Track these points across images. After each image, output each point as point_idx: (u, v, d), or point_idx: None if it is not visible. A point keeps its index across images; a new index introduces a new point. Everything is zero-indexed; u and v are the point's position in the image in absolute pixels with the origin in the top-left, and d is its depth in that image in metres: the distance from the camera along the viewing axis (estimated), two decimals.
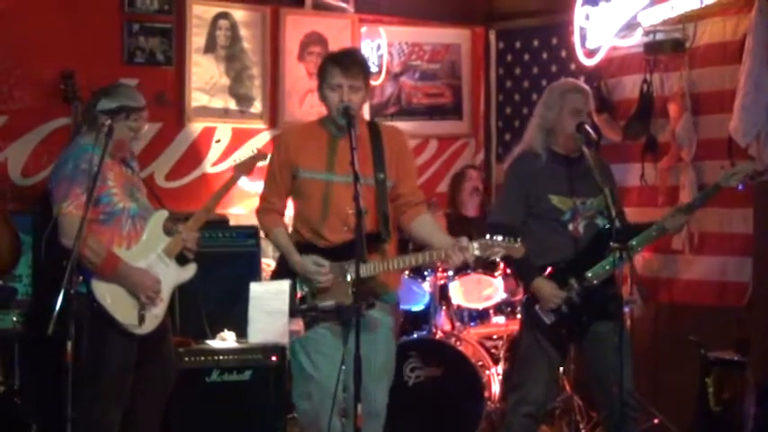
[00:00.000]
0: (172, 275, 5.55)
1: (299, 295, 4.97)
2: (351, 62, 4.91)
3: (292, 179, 5.03)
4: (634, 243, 5.35)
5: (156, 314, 5.44)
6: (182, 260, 5.61)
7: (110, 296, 5.33)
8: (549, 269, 5.40)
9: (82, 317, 5.22)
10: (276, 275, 5.10)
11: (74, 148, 5.30)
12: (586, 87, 5.65)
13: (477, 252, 4.80)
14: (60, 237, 5.25)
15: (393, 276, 5.11)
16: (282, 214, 5.16)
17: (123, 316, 5.33)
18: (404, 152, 5.18)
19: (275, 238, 5.10)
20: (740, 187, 5.42)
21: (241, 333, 6.30)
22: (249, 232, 6.82)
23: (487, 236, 4.82)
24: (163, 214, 5.53)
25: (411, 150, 5.41)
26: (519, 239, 4.83)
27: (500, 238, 4.80)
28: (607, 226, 5.30)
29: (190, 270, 5.61)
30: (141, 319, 5.36)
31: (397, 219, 5.10)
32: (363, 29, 8.04)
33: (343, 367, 4.96)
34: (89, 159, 5.12)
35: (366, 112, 7.89)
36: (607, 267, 5.29)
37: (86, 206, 4.94)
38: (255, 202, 5.31)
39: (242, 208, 7.36)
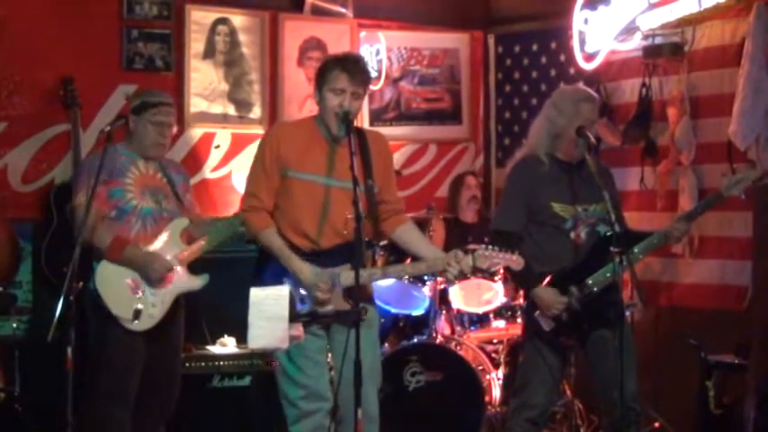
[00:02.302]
0: (180, 282, 5.60)
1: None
2: (357, 69, 4.90)
3: (282, 178, 4.96)
4: (636, 251, 5.34)
5: (151, 314, 5.50)
6: (195, 270, 5.66)
7: (108, 286, 5.44)
8: (549, 277, 5.39)
9: (88, 312, 5.33)
10: (257, 278, 5.03)
11: (107, 148, 5.42)
12: (596, 96, 5.64)
13: (478, 263, 4.82)
14: (73, 229, 5.40)
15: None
16: (271, 213, 5.00)
17: (118, 308, 5.41)
18: (388, 158, 5.19)
19: (268, 239, 4.94)
20: (743, 196, 5.42)
21: (241, 338, 6.31)
22: (249, 237, 6.82)
23: (487, 246, 4.84)
24: (182, 222, 5.65)
25: (392, 155, 5.38)
26: (517, 252, 4.85)
27: (498, 249, 4.82)
28: (608, 233, 5.28)
29: (200, 280, 5.67)
30: (136, 316, 5.41)
31: (379, 225, 5.07)
32: (362, 34, 8.04)
33: (332, 373, 4.99)
34: (111, 155, 5.40)
35: (365, 117, 7.91)
36: (608, 275, 5.26)
37: (90, 196, 5.11)
38: None
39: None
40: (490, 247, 4.85)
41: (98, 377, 5.47)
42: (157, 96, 5.68)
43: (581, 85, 6.21)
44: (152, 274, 5.48)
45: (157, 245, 5.55)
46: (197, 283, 5.67)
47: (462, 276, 5.14)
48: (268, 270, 4.96)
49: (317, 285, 4.83)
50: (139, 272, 5.48)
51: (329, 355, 5.11)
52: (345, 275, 4.83)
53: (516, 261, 4.86)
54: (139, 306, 5.45)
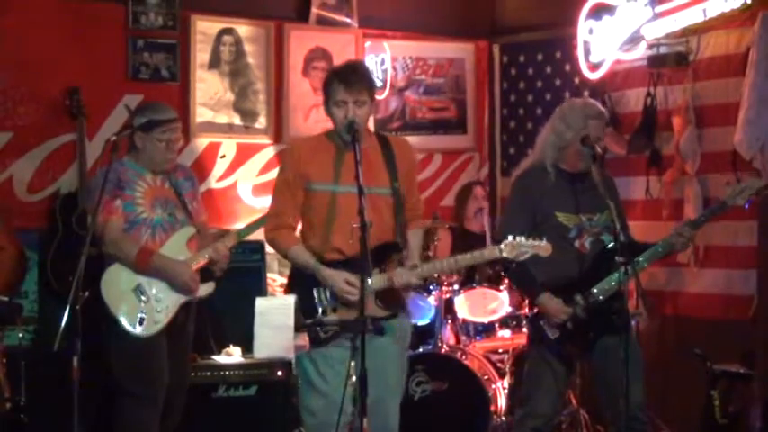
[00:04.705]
0: None
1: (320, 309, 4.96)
2: (354, 78, 4.90)
3: (305, 192, 4.98)
4: (641, 259, 5.34)
5: (156, 320, 5.53)
6: (203, 278, 5.68)
7: (113, 292, 5.48)
8: (553, 286, 5.39)
9: (101, 320, 5.37)
10: (290, 291, 5.06)
11: (114, 164, 5.44)
12: (605, 111, 5.64)
13: (505, 254, 4.81)
14: (101, 246, 5.46)
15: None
16: (295, 229, 5.05)
17: (122, 314, 5.46)
18: (413, 166, 5.17)
19: (296, 256, 4.96)
20: (746, 206, 5.41)
21: (247, 348, 6.31)
22: (254, 247, 6.83)
23: (515, 236, 4.82)
24: (189, 230, 5.70)
25: (417, 162, 5.39)
26: (545, 239, 4.85)
27: (525, 238, 4.81)
28: (611, 244, 5.28)
29: (205, 287, 5.69)
30: (140, 322, 5.44)
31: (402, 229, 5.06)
32: (367, 44, 8.05)
33: (354, 378, 4.97)
34: (117, 170, 5.46)
35: (371, 127, 7.91)
36: (613, 283, 5.27)
37: (94, 213, 5.14)
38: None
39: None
40: (518, 236, 4.84)
41: (126, 382, 5.54)
42: (163, 113, 5.67)
43: (589, 98, 6.20)
44: (182, 284, 5.55)
45: (163, 252, 5.59)
46: (203, 290, 5.69)
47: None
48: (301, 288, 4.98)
49: (345, 291, 4.83)
50: (168, 280, 5.54)
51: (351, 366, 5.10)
52: (375, 279, 4.81)
53: (545, 247, 4.83)
54: (144, 312, 5.48)
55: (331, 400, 4.88)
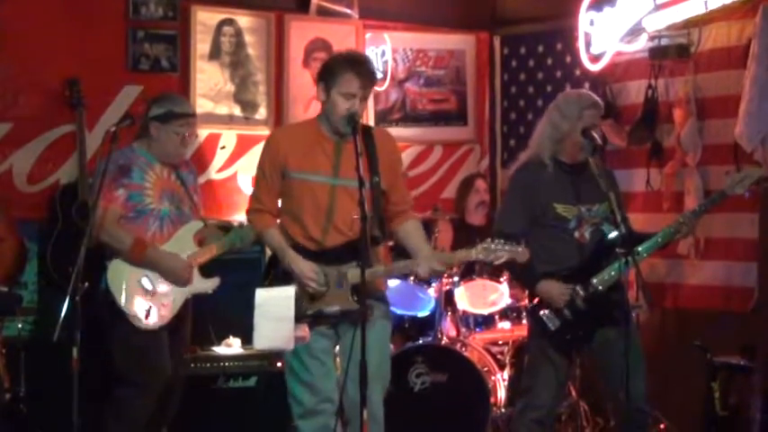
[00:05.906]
0: (193, 284, 5.63)
1: None
2: (369, 73, 4.91)
3: (281, 179, 5.00)
4: (640, 250, 5.34)
5: (162, 314, 5.52)
6: (207, 273, 5.67)
7: (120, 284, 5.48)
8: (552, 276, 5.39)
9: (104, 311, 5.37)
10: (267, 278, 5.06)
11: (124, 149, 5.48)
12: (600, 101, 5.64)
13: (480, 256, 4.79)
14: (98, 234, 5.46)
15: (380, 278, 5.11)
16: (274, 214, 5.08)
17: (129, 306, 5.47)
18: (395, 158, 5.19)
19: (270, 238, 5.04)
20: (746, 194, 5.41)
21: (246, 339, 6.31)
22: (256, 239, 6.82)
23: (493, 240, 4.81)
24: (196, 225, 5.72)
25: (401, 155, 5.40)
26: (522, 244, 4.83)
27: (503, 242, 4.79)
28: (613, 233, 5.29)
29: (211, 282, 5.70)
30: (147, 314, 5.45)
31: (383, 223, 5.05)
32: (368, 35, 8.03)
33: (337, 372, 5.00)
34: (128, 156, 5.52)
35: (371, 119, 7.90)
36: (612, 273, 5.28)
37: (96, 199, 5.20)
38: None
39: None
40: (496, 240, 4.83)
41: (130, 373, 5.55)
42: (183, 107, 5.72)
43: (585, 89, 6.20)
44: (176, 275, 5.55)
45: (170, 246, 5.59)
46: (208, 285, 5.71)
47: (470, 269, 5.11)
48: (279, 271, 4.97)
49: (309, 278, 4.84)
50: (162, 273, 5.54)
51: (337, 357, 5.11)
52: (352, 273, 4.82)
53: (522, 253, 4.80)
54: (151, 305, 5.49)
55: (316, 390, 4.92)
